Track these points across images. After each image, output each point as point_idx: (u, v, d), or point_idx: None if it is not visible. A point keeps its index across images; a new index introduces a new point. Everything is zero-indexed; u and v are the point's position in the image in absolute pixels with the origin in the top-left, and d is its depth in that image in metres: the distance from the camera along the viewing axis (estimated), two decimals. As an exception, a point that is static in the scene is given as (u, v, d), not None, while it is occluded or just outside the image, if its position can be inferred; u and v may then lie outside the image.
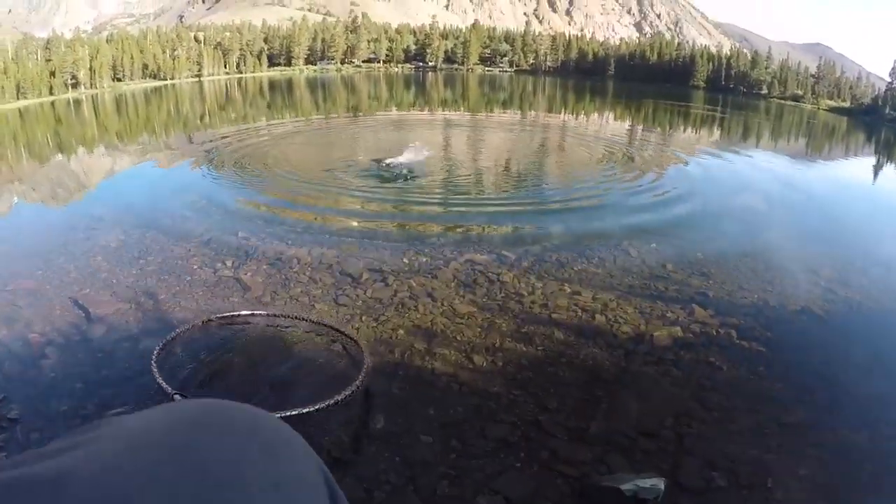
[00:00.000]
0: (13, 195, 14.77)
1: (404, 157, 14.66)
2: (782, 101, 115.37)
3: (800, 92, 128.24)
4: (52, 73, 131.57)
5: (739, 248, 9.29)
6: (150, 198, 12.77)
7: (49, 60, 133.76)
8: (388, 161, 14.25)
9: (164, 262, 8.21)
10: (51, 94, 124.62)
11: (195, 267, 7.90)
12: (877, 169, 25.21)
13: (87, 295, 7.17)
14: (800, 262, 8.98)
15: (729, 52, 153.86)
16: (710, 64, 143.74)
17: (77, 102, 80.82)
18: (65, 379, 5.31)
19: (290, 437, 0.55)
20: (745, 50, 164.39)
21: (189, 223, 10.14)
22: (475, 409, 4.81)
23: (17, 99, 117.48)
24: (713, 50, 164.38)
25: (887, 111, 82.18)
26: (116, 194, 13.88)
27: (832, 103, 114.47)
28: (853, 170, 23.68)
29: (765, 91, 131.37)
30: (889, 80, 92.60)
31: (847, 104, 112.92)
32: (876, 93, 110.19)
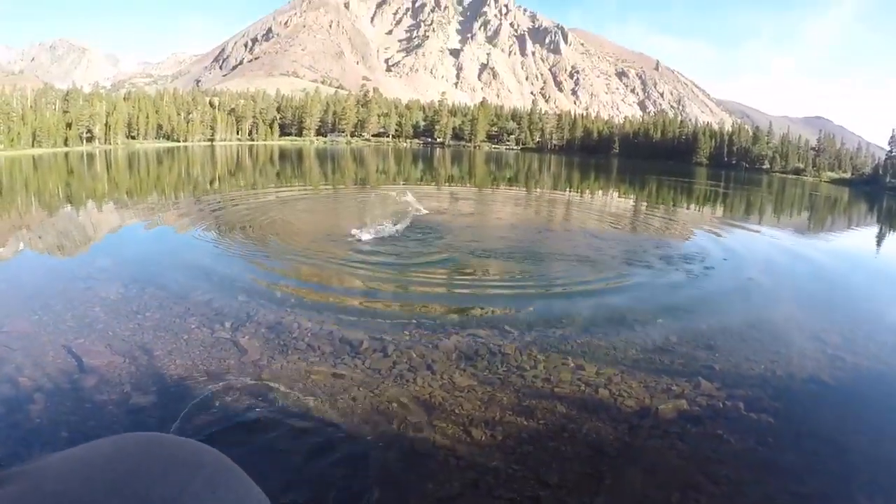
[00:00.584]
0: (19, 241, 14.92)
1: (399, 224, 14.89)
2: (784, 175, 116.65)
3: (801, 165, 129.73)
4: (69, 125, 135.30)
5: (744, 320, 9.19)
6: (154, 255, 12.93)
7: (67, 112, 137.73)
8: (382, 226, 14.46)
9: (161, 318, 8.18)
10: (65, 145, 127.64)
11: (192, 326, 7.83)
12: (879, 238, 25.32)
13: (82, 344, 7.16)
14: (806, 331, 8.90)
15: (731, 129, 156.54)
16: (713, 140, 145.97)
17: (90, 156, 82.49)
18: (50, 425, 5.26)
19: (233, 471, 0.55)
20: (746, 126, 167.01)
21: (190, 283, 10.15)
22: (473, 485, 4.65)
23: (33, 146, 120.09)
24: (715, 127, 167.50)
25: (888, 179, 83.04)
26: (120, 249, 13.98)
27: (833, 175, 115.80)
28: (855, 240, 23.79)
29: (767, 165, 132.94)
30: (889, 148, 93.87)
31: (848, 175, 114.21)
32: (876, 162, 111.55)
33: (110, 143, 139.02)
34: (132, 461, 0.60)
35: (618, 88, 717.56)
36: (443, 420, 5.51)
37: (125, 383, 6.11)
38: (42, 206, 23.31)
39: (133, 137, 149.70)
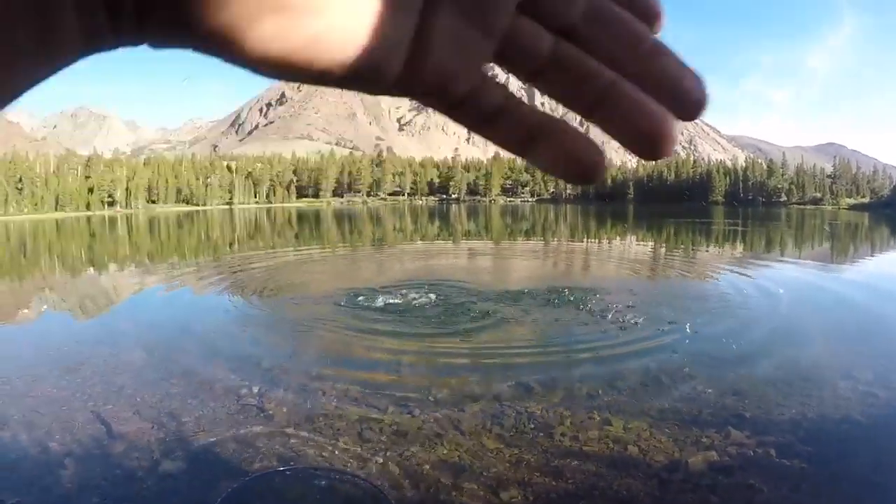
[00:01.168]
0: (44, 304, 15.18)
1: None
2: (802, 206, 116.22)
3: (818, 194, 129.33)
4: (91, 190, 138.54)
5: (771, 361, 9.08)
6: (177, 320, 13.07)
7: (88, 177, 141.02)
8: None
9: (187, 385, 8.28)
10: (87, 209, 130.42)
11: (219, 393, 7.91)
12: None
13: (110, 410, 7.27)
14: (835, 368, 8.76)
15: (744, 164, 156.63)
16: (727, 178, 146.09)
17: (112, 220, 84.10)
18: (81, 491, 5.30)
19: None
20: (759, 160, 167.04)
21: (213, 348, 10.32)
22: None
23: (56, 210, 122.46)
24: (729, 164, 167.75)
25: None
26: (144, 313, 14.19)
27: (852, 201, 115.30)
28: (880, 267, 23.40)
29: (784, 198, 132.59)
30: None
31: (866, 199, 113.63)
32: (894, 184, 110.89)
33: (131, 208, 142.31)
34: None
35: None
36: (472, 482, 5.50)
37: (154, 450, 6.18)
38: (66, 270, 23.84)
39: (153, 202, 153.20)
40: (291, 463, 5.91)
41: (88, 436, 6.55)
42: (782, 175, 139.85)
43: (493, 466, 5.84)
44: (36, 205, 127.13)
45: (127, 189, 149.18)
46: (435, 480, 5.59)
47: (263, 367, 9.11)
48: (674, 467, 5.80)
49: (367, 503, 5.27)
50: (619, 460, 5.98)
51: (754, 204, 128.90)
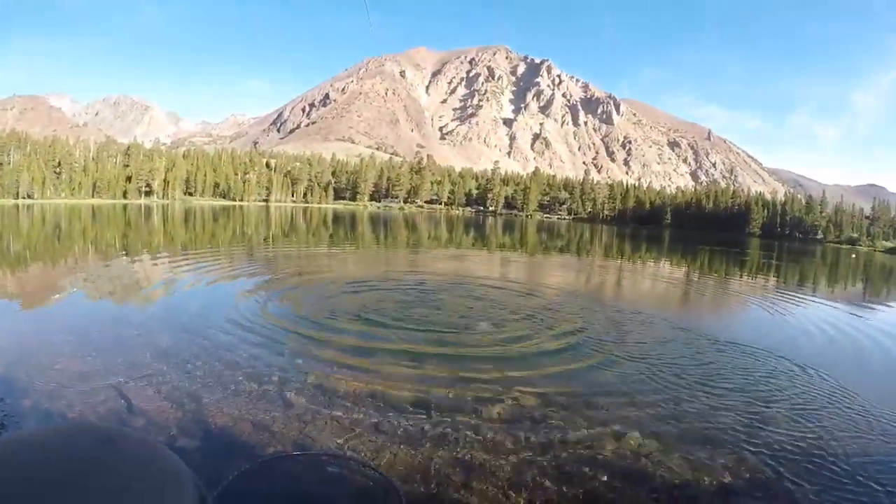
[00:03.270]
0: (72, 285, 15.41)
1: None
2: (838, 245, 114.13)
3: (855, 234, 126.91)
4: (129, 178, 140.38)
5: (792, 392, 8.95)
6: (205, 307, 13.25)
7: (127, 166, 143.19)
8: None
9: (210, 369, 8.46)
10: (124, 197, 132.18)
11: (240, 378, 8.10)
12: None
13: (131, 387, 7.49)
14: (855, 405, 8.58)
15: (783, 198, 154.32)
16: (765, 210, 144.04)
17: (148, 209, 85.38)
18: None
19: (181, 474, 0.54)
20: (799, 195, 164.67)
21: (239, 335, 10.51)
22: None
23: (92, 196, 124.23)
24: (768, 196, 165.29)
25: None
26: (173, 299, 14.37)
27: (888, 244, 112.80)
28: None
29: (820, 235, 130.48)
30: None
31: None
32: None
33: (167, 198, 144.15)
34: (78, 452, 0.59)
35: (670, 158, 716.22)
36: (482, 481, 5.55)
37: (171, 427, 6.38)
38: (98, 254, 24.25)
39: (190, 194, 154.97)
40: (306, 448, 6.00)
41: (108, 409, 6.80)
42: (820, 212, 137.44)
43: (505, 467, 5.87)
44: (73, 190, 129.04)
45: (165, 179, 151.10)
46: (445, 477, 5.63)
47: (286, 357, 9.29)
48: (685, 486, 5.78)
49: (378, 494, 5.32)
50: (632, 473, 5.97)
51: (790, 238, 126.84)
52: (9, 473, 0.52)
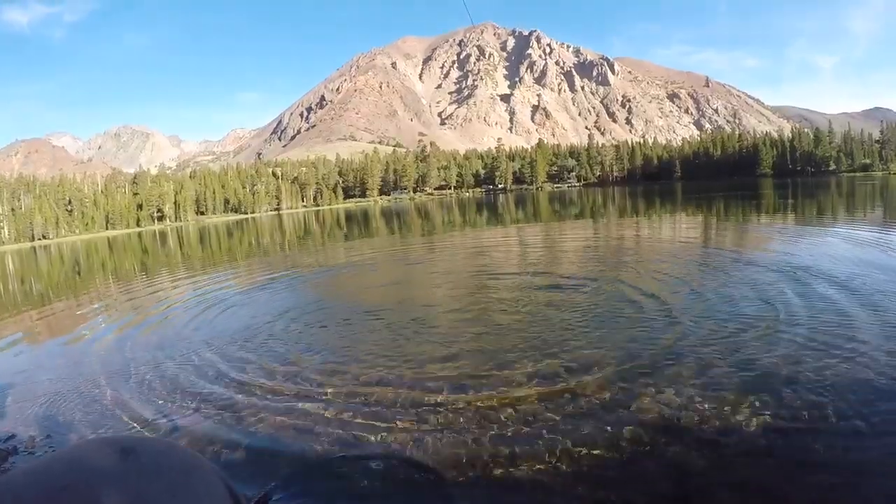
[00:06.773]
0: (99, 318, 15.64)
1: None
2: (852, 174, 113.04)
3: (867, 161, 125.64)
4: (140, 206, 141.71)
5: (826, 329, 8.85)
6: (235, 322, 13.17)
7: (136, 194, 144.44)
8: None
9: (244, 382, 8.55)
10: (138, 225, 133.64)
11: (275, 386, 8.26)
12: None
13: (171, 407, 7.79)
14: (891, 330, 8.50)
15: (791, 135, 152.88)
16: (774, 149, 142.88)
17: (163, 234, 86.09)
18: None
19: (200, 471, 0.54)
20: (806, 129, 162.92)
21: (269, 348, 10.50)
22: (561, 514, 4.74)
23: (106, 229, 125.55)
24: (775, 135, 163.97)
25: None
26: (200, 317, 14.32)
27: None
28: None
29: (833, 167, 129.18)
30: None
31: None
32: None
33: (181, 221, 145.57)
34: (89, 466, 0.58)
35: (671, 111, 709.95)
36: (526, 456, 5.59)
37: (216, 443, 6.48)
38: (119, 282, 24.52)
39: (202, 213, 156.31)
40: (348, 449, 6.08)
41: (153, 431, 7.00)
42: (829, 143, 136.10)
43: (546, 438, 5.93)
44: (87, 225, 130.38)
45: (175, 202, 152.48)
46: (491, 455, 5.69)
47: (322, 362, 9.33)
48: (729, 432, 5.79)
49: (423, 489, 5.40)
50: (673, 427, 5.98)
51: (803, 174, 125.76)
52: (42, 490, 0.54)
